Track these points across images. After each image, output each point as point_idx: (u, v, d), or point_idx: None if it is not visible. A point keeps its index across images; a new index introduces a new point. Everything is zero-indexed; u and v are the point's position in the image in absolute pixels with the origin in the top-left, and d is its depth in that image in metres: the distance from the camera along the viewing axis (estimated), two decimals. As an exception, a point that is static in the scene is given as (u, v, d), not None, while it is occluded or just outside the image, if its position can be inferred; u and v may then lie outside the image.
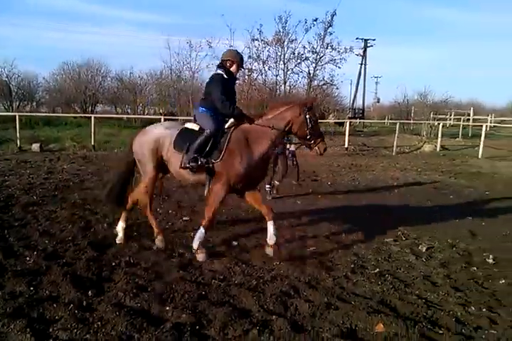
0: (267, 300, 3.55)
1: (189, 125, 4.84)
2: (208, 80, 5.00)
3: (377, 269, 4.42)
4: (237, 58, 4.92)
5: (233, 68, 4.88)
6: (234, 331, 3.04)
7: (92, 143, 15.02)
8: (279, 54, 20.60)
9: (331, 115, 28.40)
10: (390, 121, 29.55)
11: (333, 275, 4.19)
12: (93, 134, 15.11)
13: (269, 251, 4.66)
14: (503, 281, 4.22)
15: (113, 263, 4.26)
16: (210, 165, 4.52)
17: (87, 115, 21.21)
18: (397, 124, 18.43)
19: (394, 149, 16.99)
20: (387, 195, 8.61)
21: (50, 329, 2.97)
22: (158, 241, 4.85)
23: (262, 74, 20.84)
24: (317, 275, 4.18)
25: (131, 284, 3.74)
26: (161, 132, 4.80)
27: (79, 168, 10.73)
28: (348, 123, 18.73)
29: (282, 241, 5.17)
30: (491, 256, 4.90)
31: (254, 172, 4.59)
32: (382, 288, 3.94)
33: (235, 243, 5.06)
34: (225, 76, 4.77)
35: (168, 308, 3.33)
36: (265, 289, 3.78)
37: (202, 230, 4.56)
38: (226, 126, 4.69)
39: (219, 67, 4.90)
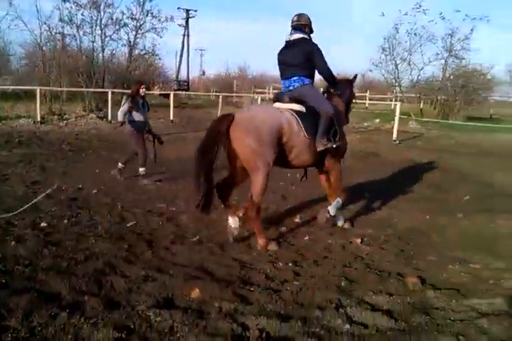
0: (79, 281, 3.32)
1: (292, 106, 4.53)
2: (308, 46, 4.56)
3: (197, 237, 4.52)
4: (310, 23, 4.77)
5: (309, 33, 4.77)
6: (40, 317, 2.77)
7: None
8: (95, 19, 19.06)
9: (156, 86, 27.86)
10: (215, 94, 30.26)
11: (153, 248, 4.14)
12: None
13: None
14: (307, 237, 4.72)
15: None
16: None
17: None
18: (220, 97, 18.98)
19: (218, 121, 17.43)
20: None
21: None
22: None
23: (76, 40, 19.07)
24: (136, 249, 4.08)
25: None
26: (280, 116, 4.29)
27: None
28: (173, 95, 18.57)
29: (104, 218, 4.95)
30: (298, 216, 5.44)
31: None
32: (200, 254, 4.04)
33: (44, 224, 4.61)
34: None
35: (-44, 305, 2.88)
36: (77, 270, 3.53)
37: (340, 201, 4.89)
38: None
39: (301, 31, 4.66)
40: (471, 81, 21.01)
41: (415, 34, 20.98)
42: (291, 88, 4.64)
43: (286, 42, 4.75)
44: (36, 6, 17.36)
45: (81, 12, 18.71)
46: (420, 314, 3.05)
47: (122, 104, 7.11)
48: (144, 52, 22.13)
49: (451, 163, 10.01)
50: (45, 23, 17.77)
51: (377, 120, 19.27)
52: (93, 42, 19.40)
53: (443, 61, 21.60)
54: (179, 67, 39.31)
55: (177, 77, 38.19)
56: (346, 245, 4.51)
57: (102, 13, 19.11)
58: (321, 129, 4.43)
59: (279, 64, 4.81)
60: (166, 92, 25.34)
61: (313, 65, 4.59)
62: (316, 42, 4.63)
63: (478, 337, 2.75)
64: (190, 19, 39.56)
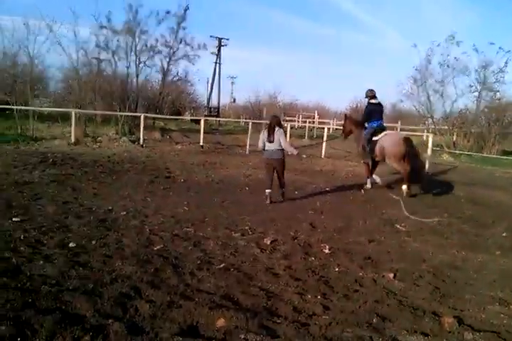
0: (104, 303, 3.28)
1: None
2: (383, 106, 10.17)
3: (223, 264, 4.43)
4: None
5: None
6: (63, 339, 2.73)
7: None
8: (130, 45, 19.66)
9: (187, 112, 28.49)
10: (244, 120, 30.65)
11: (179, 273, 4.07)
12: None
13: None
14: (336, 269, 4.56)
15: None
16: None
17: None
18: (250, 124, 19.14)
19: (247, 148, 17.59)
20: (237, 192, 8.82)
21: None
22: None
23: (111, 65, 19.67)
24: (161, 273, 4.03)
25: None
26: None
27: None
28: (203, 121, 18.87)
29: (131, 240, 4.93)
30: (327, 247, 5.28)
31: None
32: (226, 282, 3.94)
33: (72, 244, 4.62)
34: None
35: (-18, 322, 2.86)
36: (103, 292, 3.49)
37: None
38: None
39: (376, 98, 9.78)
40: (505, 114, 20.57)
41: (448, 66, 20.69)
42: (381, 125, 9.71)
43: (373, 103, 9.70)
44: (74, 32, 18.05)
45: (116, 38, 19.34)
46: (459, 357, 2.85)
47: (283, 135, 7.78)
48: (176, 78, 22.72)
49: (487, 197, 9.67)
50: (82, 48, 18.43)
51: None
52: (128, 67, 19.93)
53: (476, 93, 21.20)
54: (210, 94, 40.12)
55: (208, 103, 38.95)
56: (378, 279, 4.32)
57: (136, 40, 19.66)
58: None
59: (372, 112, 9.66)
60: (197, 118, 25.86)
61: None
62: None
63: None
64: (222, 47, 40.63)
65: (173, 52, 21.25)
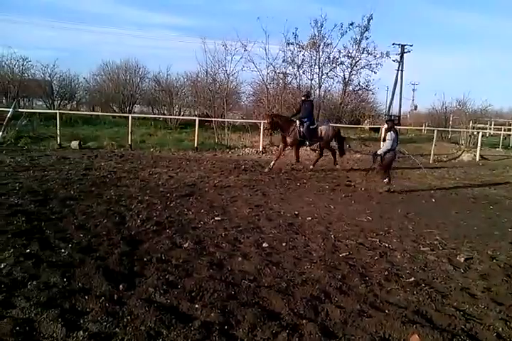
0: (297, 303, 3.47)
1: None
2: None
3: (413, 278, 4.26)
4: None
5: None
6: (263, 333, 2.98)
7: (129, 142, 15.25)
8: (314, 58, 20.26)
9: (366, 121, 28.15)
10: (427, 128, 28.91)
11: (366, 282, 4.06)
12: (130, 133, 15.35)
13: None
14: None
15: (145, 259, 4.28)
16: None
17: (124, 115, 21.58)
18: (435, 132, 17.95)
19: (431, 157, 16.56)
20: (423, 203, 8.36)
21: (81, 321, 2.99)
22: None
23: (296, 78, 20.60)
24: (349, 281, 4.07)
25: (161, 280, 3.75)
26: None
27: (116, 165, 10.90)
28: (383, 130, 18.39)
29: (318, 245, 5.12)
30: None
31: None
32: (417, 297, 3.78)
33: (265, 245, 5.00)
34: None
35: (197, 306, 3.31)
36: (295, 292, 3.70)
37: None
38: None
39: (309, 95, 13.11)
40: None
41: None
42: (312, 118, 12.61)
43: (310, 100, 12.50)
44: (265, 50, 19.44)
45: (302, 53, 20.20)
46: None
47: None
48: (357, 88, 22.60)
49: None
50: (271, 64, 19.79)
51: None
52: (311, 79, 20.67)
53: None
54: (391, 102, 38.82)
55: (388, 111, 37.75)
56: None
57: (320, 53, 20.27)
58: None
59: (308, 109, 12.18)
60: (376, 126, 25.38)
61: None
62: None
63: None
64: (404, 54, 38.94)
65: (355, 63, 21.22)
